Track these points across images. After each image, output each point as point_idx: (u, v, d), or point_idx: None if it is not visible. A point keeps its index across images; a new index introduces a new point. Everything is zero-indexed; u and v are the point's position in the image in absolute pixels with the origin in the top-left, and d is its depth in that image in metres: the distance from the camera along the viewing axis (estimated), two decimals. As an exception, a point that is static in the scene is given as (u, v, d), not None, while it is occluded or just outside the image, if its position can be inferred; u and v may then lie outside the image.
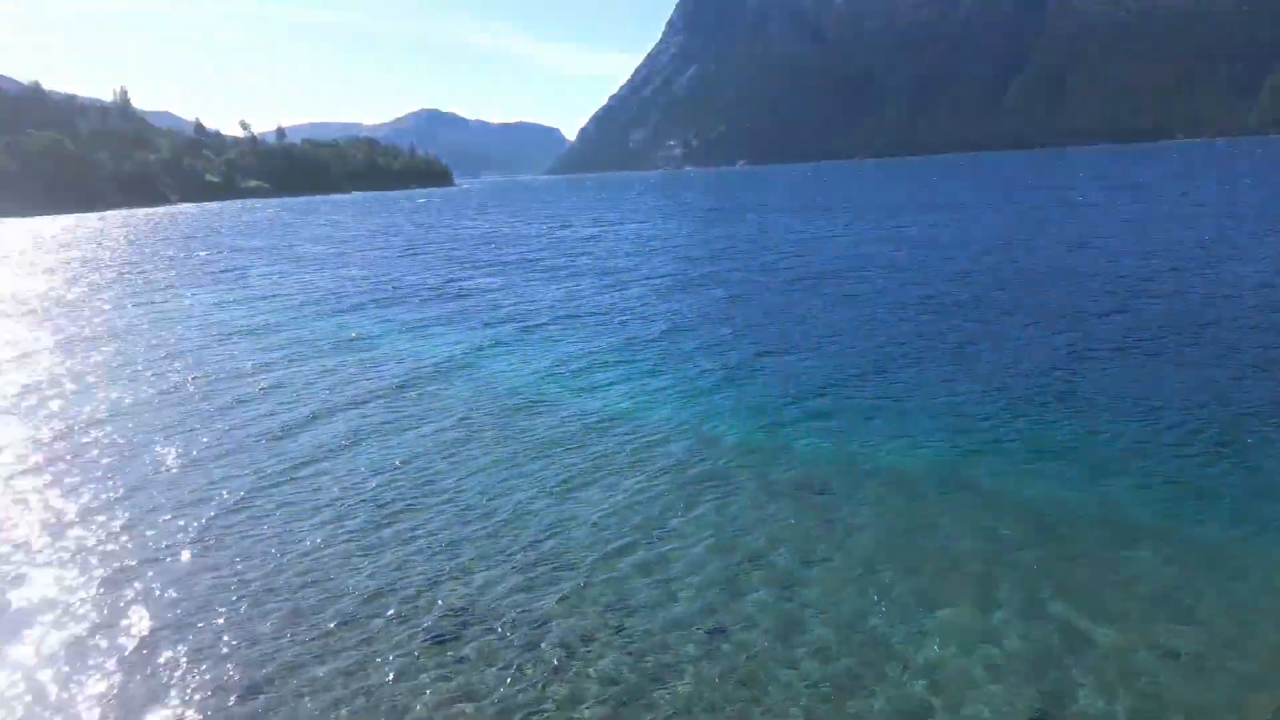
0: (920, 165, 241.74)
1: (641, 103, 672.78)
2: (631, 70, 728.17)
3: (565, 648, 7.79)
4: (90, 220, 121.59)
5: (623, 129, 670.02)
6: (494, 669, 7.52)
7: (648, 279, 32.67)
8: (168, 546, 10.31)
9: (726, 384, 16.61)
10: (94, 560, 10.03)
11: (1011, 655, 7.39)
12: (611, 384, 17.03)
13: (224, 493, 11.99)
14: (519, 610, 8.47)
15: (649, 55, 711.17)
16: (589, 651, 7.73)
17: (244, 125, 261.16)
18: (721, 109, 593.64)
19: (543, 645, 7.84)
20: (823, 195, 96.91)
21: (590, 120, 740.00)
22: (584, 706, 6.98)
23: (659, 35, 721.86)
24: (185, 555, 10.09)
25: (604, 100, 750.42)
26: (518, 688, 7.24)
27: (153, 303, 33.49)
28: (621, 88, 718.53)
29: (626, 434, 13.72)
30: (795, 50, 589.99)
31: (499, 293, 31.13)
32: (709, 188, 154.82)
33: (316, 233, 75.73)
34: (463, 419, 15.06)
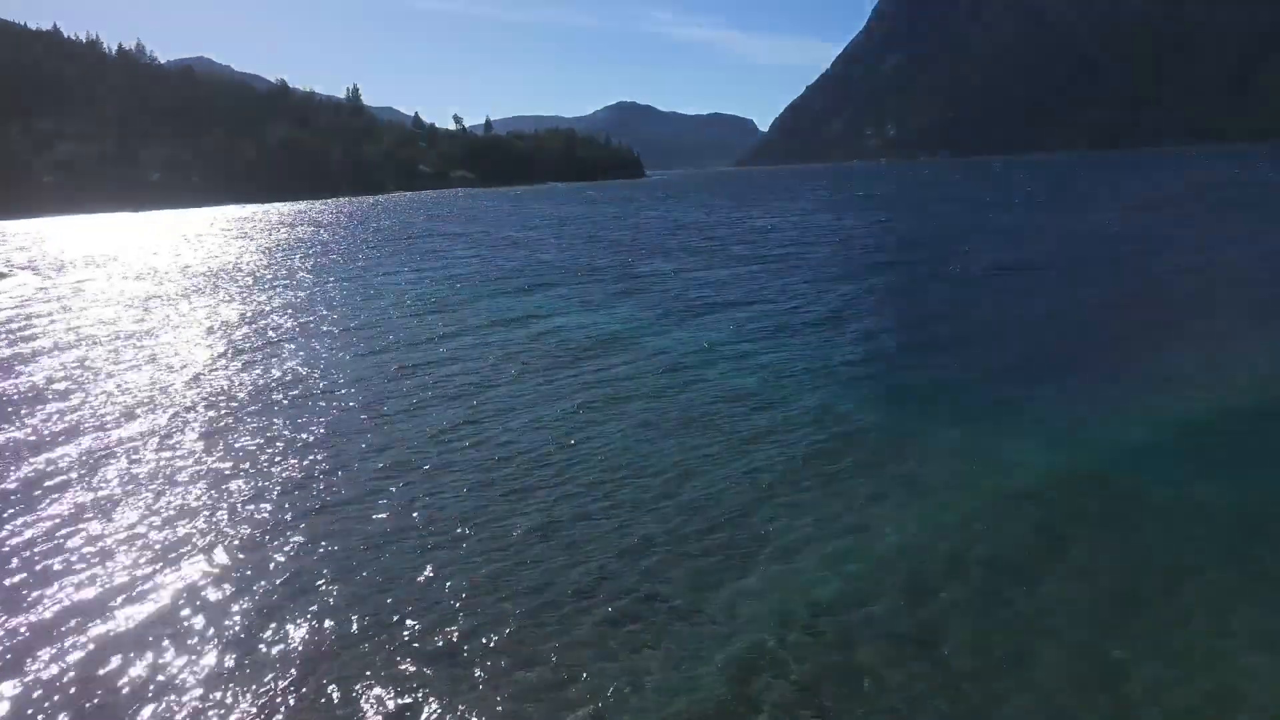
0: (1152, 158, 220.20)
1: (839, 92, 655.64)
2: (829, 59, 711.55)
3: (752, 643, 7.22)
4: (316, 206, 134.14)
5: (818, 119, 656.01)
6: (669, 656, 7.10)
7: (823, 268, 32.07)
8: (347, 500, 11.02)
9: (908, 371, 16.12)
10: (274, 505, 11.20)
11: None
12: (792, 368, 16.63)
13: (405, 449, 12.99)
14: (694, 594, 8.03)
15: (851, 42, 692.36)
16: (775, 647, 7.16)
17: (456, 119, 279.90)
18: (924, 98, 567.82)
19: (728, 637, 7.32)
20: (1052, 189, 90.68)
21: (785, 110, 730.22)
22: (770, 709, 6.46)
23: (859, 23, 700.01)
24: (357, 509, 10.88)
25: (799, 90, 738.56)
26: (695, 676, 6.84)
27: (359, 277, 36.66)
28: (820, 76, 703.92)
29: (813, 422, 13.04)
30: (1011, 34, 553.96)
31: (687, 276, 31.52)
32: (903, 179, 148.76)
33: (513, 219, 79.74)
34: (645, 395, 15.09)
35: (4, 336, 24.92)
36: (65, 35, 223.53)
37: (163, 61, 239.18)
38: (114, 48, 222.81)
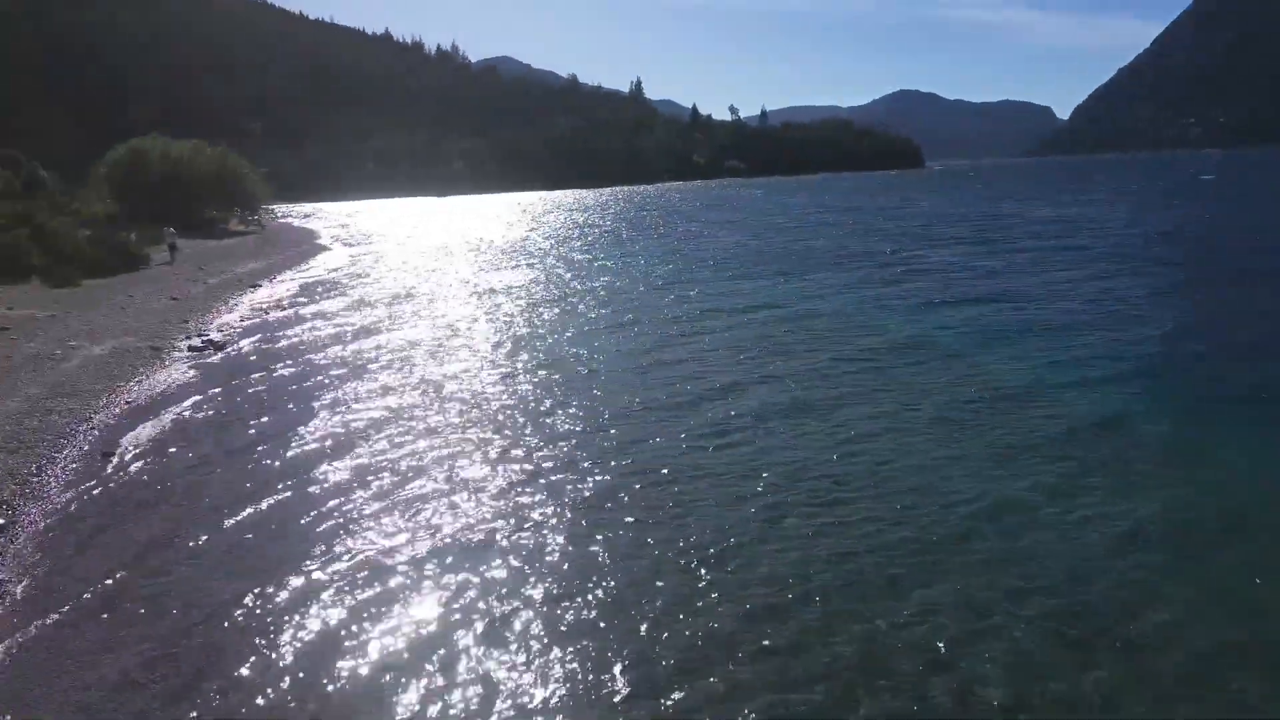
0: None
1: (1155, 76, 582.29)
2: (1138, 40, 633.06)
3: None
4: (589, 195, 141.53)
5: (1128, 106, 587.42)
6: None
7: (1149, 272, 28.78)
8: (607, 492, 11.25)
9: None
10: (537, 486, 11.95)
11: None
12: (1106, 384, 14.00)
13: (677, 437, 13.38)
14: (989, 652, 6.57)
15: (1174, 21, 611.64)
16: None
17: (732, 110, 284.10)
18: (1262, 81, 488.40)
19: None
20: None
21: (1089, 97, 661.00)
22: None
23: (1173, 1, 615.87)
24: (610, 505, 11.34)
25: (1102, 75, 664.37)
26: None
27: (616, 253, 38.33)
28: (1135, 58, 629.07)
29: (1121, 443, 11.12)
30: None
31: (972, 272, 29.76)
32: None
33: (778, 208, 79.39)
34: (925, 402, 13.77)
35: (325, 291, 28.98)
36: (395, 39, 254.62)
37: (472, 61, 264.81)
38: (434, 49, 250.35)
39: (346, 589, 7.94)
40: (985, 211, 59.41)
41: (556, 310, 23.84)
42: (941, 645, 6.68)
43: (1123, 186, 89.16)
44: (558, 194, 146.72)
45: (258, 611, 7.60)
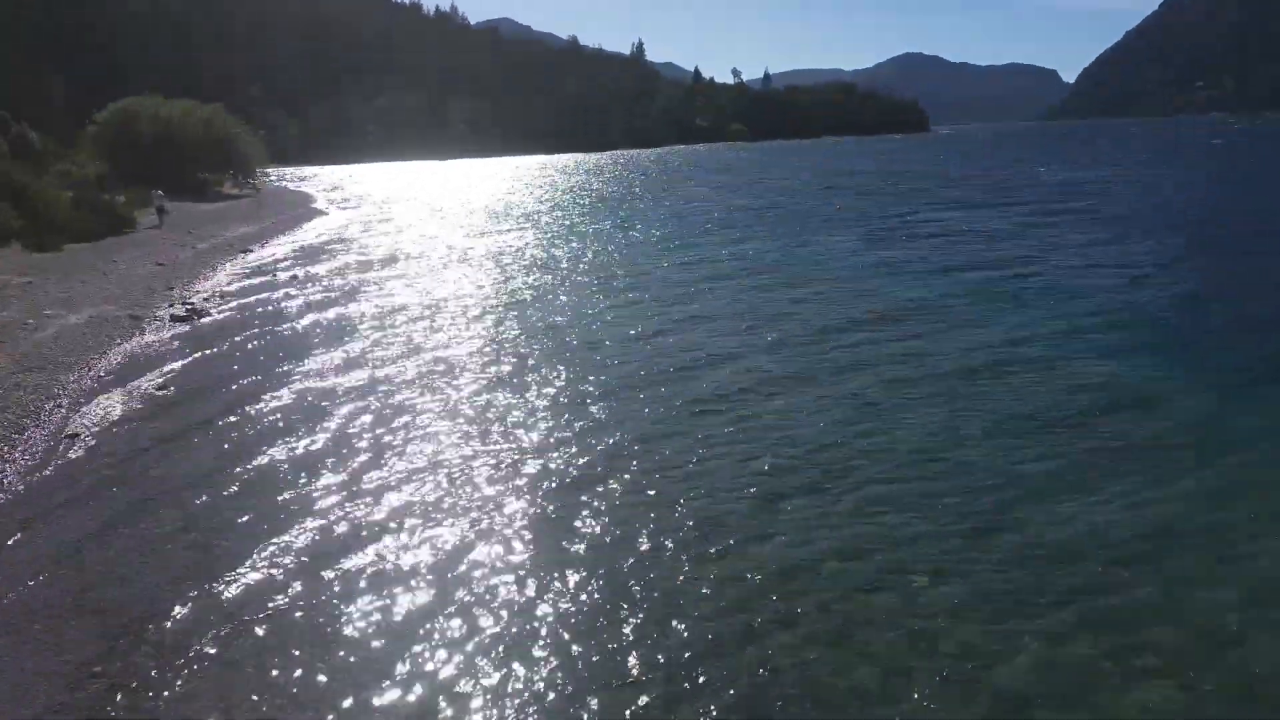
0: None
1: (1165, 39, 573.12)
2: (1154, 2, 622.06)
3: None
4: (590, 158, 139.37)
5: (1135, 70, 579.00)
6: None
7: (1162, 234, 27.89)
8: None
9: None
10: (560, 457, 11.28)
11: None
12: (1125, 352, 13.36)
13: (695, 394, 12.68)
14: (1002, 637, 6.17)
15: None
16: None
17: (735, 73, 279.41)
18: (1274, 46, 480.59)
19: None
20: None
21: (1095, 60, 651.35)
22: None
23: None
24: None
25: (1112, 38, 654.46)
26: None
27: (615, 216, 37.41)
28: (1143, 20, 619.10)
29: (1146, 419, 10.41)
30: None
31: (988, 237, 28.67)
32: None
33: (782, 172, 78.05)
34: (933, 370, 12.70)
35: (316, 256, 28.17)
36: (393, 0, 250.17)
37: (472, 23, 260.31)
38: (433, 9, 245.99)
39: (311, 571, 7.35)
40: (992, 175, 58.16)
41: (552, 274, 23.12)
42: (958, 637, 6.07)
43: (1129, 154, 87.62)
44: (559, 157, 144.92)
45: (209, 603, 6.99)
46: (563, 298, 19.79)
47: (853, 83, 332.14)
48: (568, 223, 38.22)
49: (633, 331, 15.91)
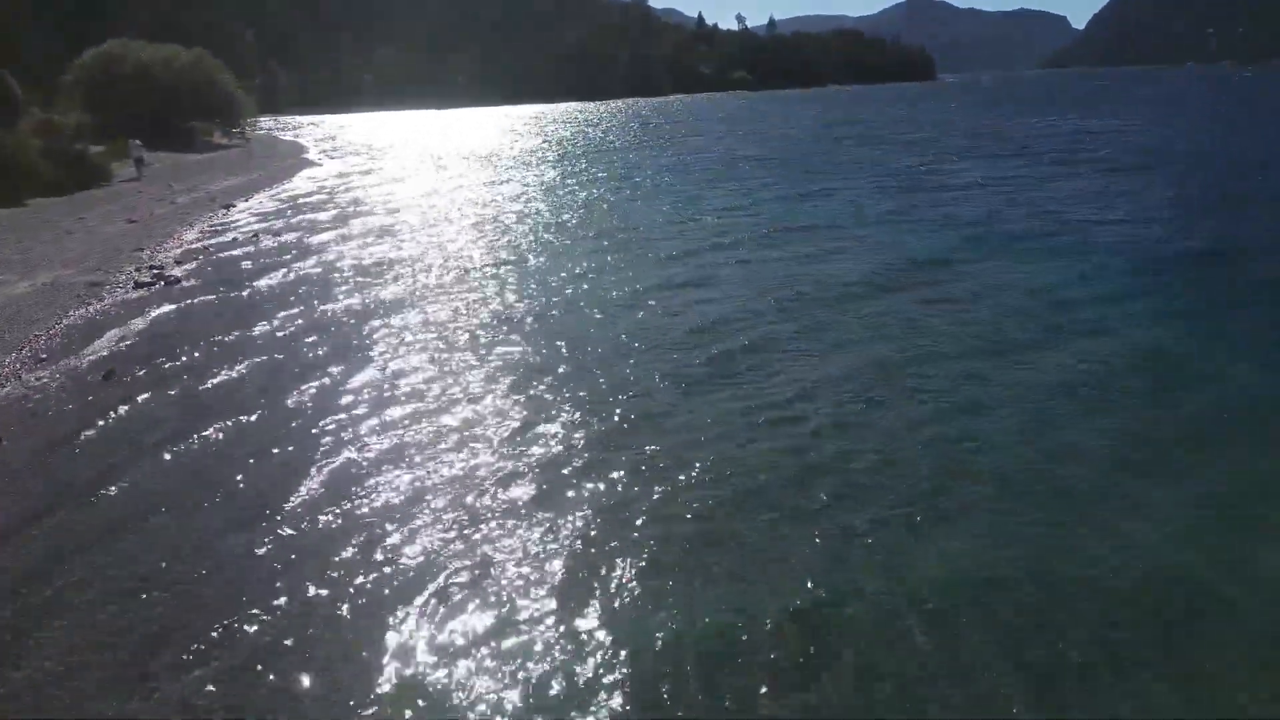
0: None
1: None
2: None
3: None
4: (592, 107, 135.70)
5: (1145, 18, 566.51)
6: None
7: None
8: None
9: None
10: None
11: None
12: (1151, 312, 12.29)
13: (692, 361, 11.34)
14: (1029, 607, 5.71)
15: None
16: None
17: (740, 19, 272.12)
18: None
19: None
20: None
21: (1105, 6, 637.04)
22: None
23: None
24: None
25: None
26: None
27: (616, 165, 35.60)
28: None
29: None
30: None
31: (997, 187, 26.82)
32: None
33: (787, 120, 75.66)
34: (950, 329, 11.79)
35: (303, 210, 26.57)
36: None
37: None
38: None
39: (285, 550, 6.02)
40: (1003, 124, 55.97)
41: (549, 228, 21.68)
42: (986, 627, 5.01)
43: (1141, 103, 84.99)
44: (560, 106, 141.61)
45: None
46: (559, 253, 18.40)
47: (858, 29, 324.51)
48: (569, 172, 36.47)
49: (635, 286, 14.53)
